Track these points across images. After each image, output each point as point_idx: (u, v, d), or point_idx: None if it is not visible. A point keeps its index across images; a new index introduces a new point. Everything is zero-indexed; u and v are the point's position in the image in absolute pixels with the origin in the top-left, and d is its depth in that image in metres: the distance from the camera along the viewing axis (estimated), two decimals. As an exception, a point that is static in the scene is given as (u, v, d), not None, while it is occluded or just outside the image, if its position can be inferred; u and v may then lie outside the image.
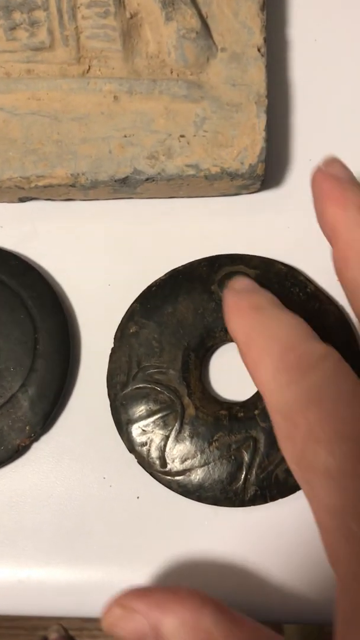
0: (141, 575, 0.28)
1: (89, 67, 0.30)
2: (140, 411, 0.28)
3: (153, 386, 0.28)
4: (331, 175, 0.25)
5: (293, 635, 0.91)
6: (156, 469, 0.28)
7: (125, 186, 0.29)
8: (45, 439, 0.29)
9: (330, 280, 0.30)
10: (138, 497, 0.28)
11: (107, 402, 0.29)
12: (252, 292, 0.25)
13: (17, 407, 0.28)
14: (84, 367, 0.30)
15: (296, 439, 0.21)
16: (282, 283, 0.29)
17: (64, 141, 0.29)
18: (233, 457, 0.27)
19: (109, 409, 0.29)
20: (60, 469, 0.29)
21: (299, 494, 0.28)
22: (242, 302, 0.25)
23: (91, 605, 0.28)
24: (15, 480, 0.29)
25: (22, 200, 0.31)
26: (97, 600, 0.28)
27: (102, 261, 0.31)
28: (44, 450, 0.29)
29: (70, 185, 0.29)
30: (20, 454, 0.29)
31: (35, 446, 0.29)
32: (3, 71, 0.30)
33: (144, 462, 0.28)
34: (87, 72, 0.30)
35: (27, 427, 0.28)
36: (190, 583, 0.28)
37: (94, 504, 0.29)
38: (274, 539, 0.28)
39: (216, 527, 0.28)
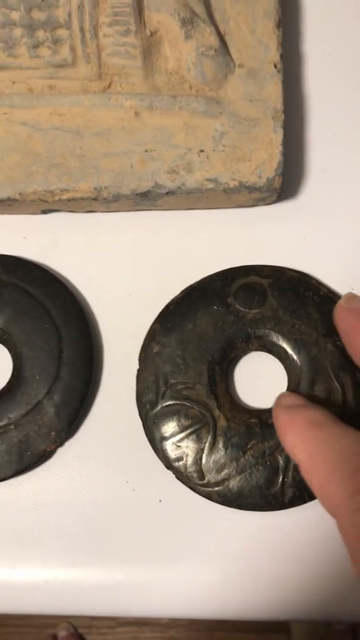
0: (164, 575, 0.29)
1: (110, 83, 0.31)
2: (172, 428, 0.29)
3: (182, 402, 0.29)
4: (355, 310, 0.27)
5: (301, 628, 0.92)
6: (195, 482, 0.28)
7: (146, 199, 0.30)
8: (70, 444, 0.30)
9: (344, 285, 0.31)
10: (160, 500, 0.29)
11: (131, 409, 0.30)
12: (305, 408, 0.25)
13: (43, 414, 0.29)
14: (107, 374, 0.31)
15: None
16: (296, 288, 0.30)
17: (87, 156, 0.30)
18: (268, 463, 0.28)
19: (132, 416, 0.30)
20: (84, 473, 0.30)
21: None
22: (297, 418, 0.25)
23: (115, 605, 0.29)
24: (41, 484, 0.30)
25: (44, 212, 0.32)
26: (121, 600, 0.29)
27: (123, 271, 0.32)
28: (69, 455, 0.30)
29: (93, 199, 0.30)
30: (46, 459, 0.30)
31: (61, 451, 0.30)
32: (26, 87, 0.31)
33: (182, 476, 0.29)
34: (109, 88, 0.31)
35: (53, 433, 0.29)
36: (210, 583, 0.29)
37: (117, 507, 0.30)
38: (282, 542, 0.29)
39: (236, 529, 0.29)
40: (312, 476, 0.23)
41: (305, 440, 0.24)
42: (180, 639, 1.07)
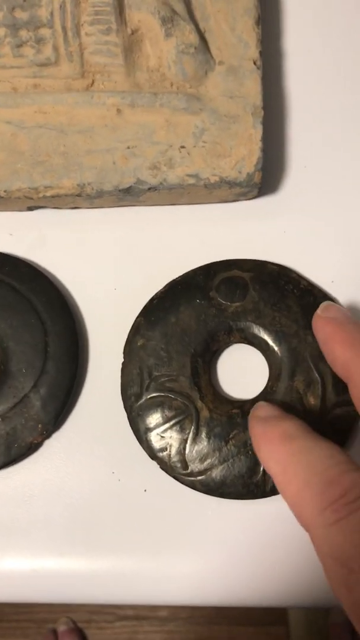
0: (149, 564, 0.29)
1: (93, 81, 0.31)
2: (156, 419, 0.30)
3: (166, 394, 0.30)
4: (332, 319, 0.27)
5: (299, 620, 0.93)
6: (178, 472, 0.29)
7: (129, 195, 0.31)
8: (56, 436, 0.31)
9: (325, 278, 0.31)
10: (145, 490, 0.30)
11: (116, 401, 0.30)
12: (279, 419, 0.25)
13: (30, 407, 0.30)
14: (92, 367, 0.31)
15: (354, 586, 0.20)
16: (276, 282, 0.30)
17: (70, 153, 0.30)
18: (250, 452, 0.29)
19: (118, 408, 0.30)
20: (71, 465, 0.31)
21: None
22: (270, 431, 0.25)
23: (101, 593, 0.30)
24: (29, 476, 0.31)
25: (30, 209, 0.33)
26: (108, 589, 0.30)
27: (108, 266, 0.32)
28: (56, 447, 0.31)
29: (77, 195, 0.31)
30: (33, 451, 0.31)
31: (47, 443, 0.31)
32: (10, 86, 0.31)
33: (166, 466, 0.29)
34: (91, 86, 0.31)
35: (39, 426, 0.30)
36: (198, 570, 0.29)
37: (103, 497, 0.30)
38: (270, 530, 0.29)
39: (220, 517, 0.30)
40: (285, 491, 0.23)
41: (277, 454, 0.24)
42: (179, 632, 1.08)
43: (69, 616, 1.11)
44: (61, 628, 1.09)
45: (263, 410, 0.26)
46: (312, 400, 0.29)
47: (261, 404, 0.27)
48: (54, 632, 1.09)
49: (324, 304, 0.28)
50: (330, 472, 0.22)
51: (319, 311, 0.28)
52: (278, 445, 0.24)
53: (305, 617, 0.96)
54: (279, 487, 0.23)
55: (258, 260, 0.31)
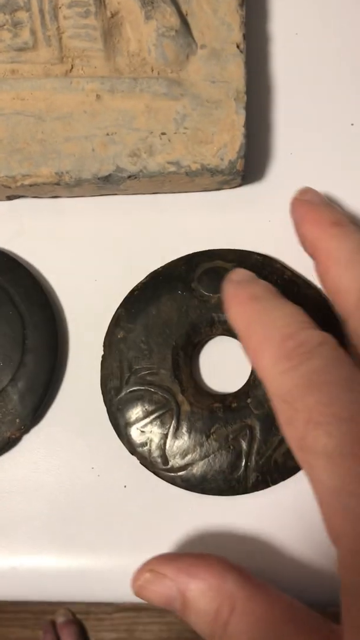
0: (129, 560, 0.29)
1: (72, 66, 0.30)
2: (136, 413, 0.29)
3: (146, 388, 0.29)
4: (306, 201, 0.29)
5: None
6: (159, 467, 0.28)
7: (109, 183, 0.30)
8: (35, 431, 0.30)
9: (310, 268, 0.31)
10: (125, 486, 0.29)
11: (95, 395, 0.30)
12: (250, 283, 0.26)
13: (7, 401, 0.29)
14: (72, 360, 0.31)
15: (297, 423, 0.22)
16: (260, 272, 0.30)
17: (48, 140, 0.30)
18: (232, 447, 0.28)
19: (97, 402, 0.30)
20: (50, 460, 0.30)
21: (299, 476, 0.28)
22: (241, 293, 0.26)
23: (81, 591, 0.29)
24: (7, 471, 0.30)
25: (9, 198, 0.32)
26: (87, 586, 0.29)
27: (89, 257, 0.32)
28: (34, 442, 0.30)
29: (55, 184, 0.30)
30: (11, 446, 0.30)
31: (26, 438, 0.30)
32: (-12, 72, 0.30)
33: (146, 462, 0.29)
34: (70, 71, 0.30)
35: (17, 420, 0.29)
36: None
37: (83, 493, 0.30)
38: (252, 526, 0.29)
39: (202, 513, 0.29)
40: (247, 344, 0.25)
41: (243, 312, 0.25)
42: (178, 623, 1.08)
43: (68, 608, 1.11)
44: (60, 619, 1.10)
45: (237, 274, 0.27)
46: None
47: (237, 269, 0.28)
48: (53, 623, 1.09)
49: (303, 188, 0.29)
50: (289, 328, 0.24)
51: (296, 194, 0.29)
52: (245, 305, 0.25)
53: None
54: (242, 343, 0.25)
55: (241, 251, 0.30)
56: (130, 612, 1.10)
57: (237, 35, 0.30)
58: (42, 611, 1.12)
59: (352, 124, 0.32)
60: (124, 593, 0.29)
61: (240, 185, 0.31)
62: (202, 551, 0.29)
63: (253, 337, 0.24)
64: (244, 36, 0.30)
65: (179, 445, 0.28)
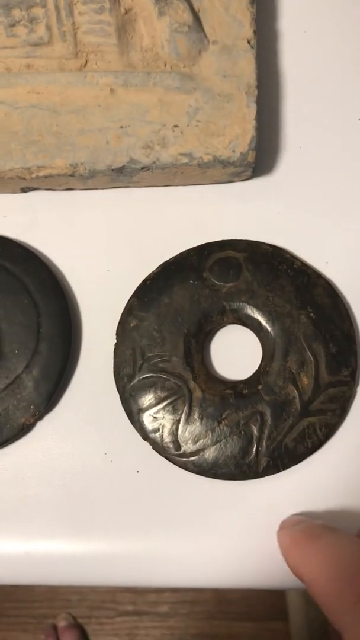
0: (141, 545, 0.29)
1: (86, 61, 0.31)
2: (149, 400, 0.29)
3: (159, 375, 0.29)
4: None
5: (299, 615, 0.92)
6: (171, 453, 0.29)
7: (122, 175, 0.31)
8: (49, 417, 0.31)
9: (320, 259, 0.31)
10: (138, 472, 0.30)
11: (109, 382, 0.30)
12: (303, 524, 0.26)
13: (22, 388, 0.30)
14: (85, 348, 0.31)
15: None
16: (270, 262, 0.30)
17: (63, 133, 0.30)
18: (243, 432, 0.29)
19: (110, 389, 0.30)
20: (63, 446, 0.30)
21: (309, 461, 0.29)
22: (299, 535, 0.26)
23: (93, 575, 0.29)
24: (21, 457, 0.30)
25: (24, 190, 0.33)
26: (100, 570, 0.29)
27: (101, 248, 0.32)
28: (48, 429, 0.31)
29: (70, 175, 0.30)
30: (25, 432, 0.30)
31: (40, 424, 0.31)
32: (4, 66, 0.31)
33: (159, 447, 0.29)
34: (85, 66, 0.31)
35: (32, 407, 0.30)
36: (191, 552, 0.29)
37: (95, 478, 0.30)
38: (263, 510, 0.29)
39: (213, 498, 0.29)
40: (314, 591, 0.23)
41: (306, 556, 0.24)
42: (180, 628, 1.08)
43: (69, 612, 1.11)
44: (61, 624, 1.09)
45: (289, 521, 0.27)
46: (305, 380, 0.29)
47: (287, 518, 0.28)
48: (54, 627, 1.09)
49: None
50: (355, 565, 0.22)
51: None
52: (306, 547, 0.25)
53: (306, 614, 0.96)
54: (308, 589, 0.24)
55: (251, 241, 0.31)
56: (132, 617, 1.10)
57: (248, 31, 0.31)
58: (44, 615, 1.12)
59: (359, 119, 0.33)
60: (137, 577, 0.29)
61: (250, 177, 0.32)
62: (214, 535, 0.29)
63: (319, 583, 0.23)
64: (255, 32, 0.31)
65: (191, 430, 0.29)
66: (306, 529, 0.26)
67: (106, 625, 1.11)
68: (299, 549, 0.25)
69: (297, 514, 0.29)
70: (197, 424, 0.29)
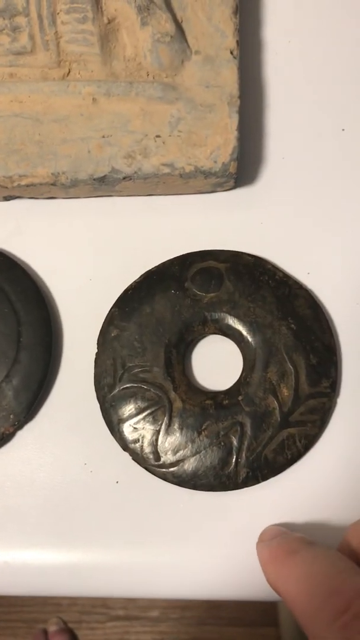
0: (121, 556, 0.29)
1: (69, 70, 0.31)
2: (129, 410, 0.29)
3: (139, 385, 0.29)
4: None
5: (290, 621, 0.92)
6: (150, 464, 0.29)
7: (104, 184, 0.31)
8: (28, 427, 0.31)
9: (302, 270, 0.31)
10: (117, 482, 0.30)
11: (89, 392, 0.30)
12: (282, 538, 0.26)
13: (2, 397, 0.30)
14: (66, 358, 0.31)
15: None
16: (252, 273, 0.30)
17: (45, 142, 0.30)
18: (222, 443, 0.29)
19: (91, 399, 0.30)
20: (43, 456, 0.30)
21: (289, 472, 0.29)
22: (276, 549, 0.25)
23: (73, 585, 0.29)
24: (0, 467, 0.30)
25: (6, 199, 0.33)
26: (79, 581, 0.29)
27: (84, 257, 0.32)
28: (28, 438, 0.30)
29: (52, 184, 0.30)
30: (5, 442, 0.30)
31: (20, 434, 0.30)
32: (-14, 75, 0.31)
33: (138, 458, 0.29)
34: (67, 75, 0.31)
35: (11, 416, 0.30)
36: (170, 563, 0.29)
37: (75, 488, 0.30)
38: (242, 522, 0.29)
39: (192, 509, 0.29)
40: (292, 608, 0.23)
41: (283, 572, 0.24)
42: (171, 633, 1.07)
43: (60, 616, 1.10)
44: (52, 628, 1.09)
45: (267, 534, 0.27)
46: (285, 392, 0.29)
47: (265, 529, 0.28)
48: (45, 632, 1.08)
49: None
50: (332, 581, 0.22)
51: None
52: (283, 562, 0.24)
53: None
54: (288, 606, 0.23)
55: (234, 251, 0.31)
56: (123, 621, 1.10)
57: (231, 41, 0.31)
58: (34, 620, 1.11)
59: (343, 129, 0.33)
60: (116, 587, 0.29)
61: (233, 188, 0.32)
62: (193, 546, 0.29)
63: (298, 600, 0.23)
64: (238, 43, 0.31)
65: (171, 441, 0.29)
66: (283, 543, 0.26)
67: (97, 630, 1.10)
68: (276, 563, 0.25)
69: (276, 524, 0.29)
70: (177, 434, 0.29)
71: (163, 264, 0.31)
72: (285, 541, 0.26)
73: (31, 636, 1.09)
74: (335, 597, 0.22)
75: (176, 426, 0.29)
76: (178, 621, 1.04)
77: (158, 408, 0.29)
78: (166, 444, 0.29)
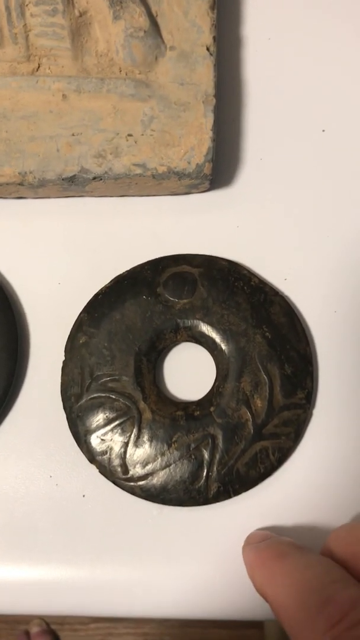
0: (87, 572, 0.28)
1: (39, 65, 0.30)
2: (97, 421, 0.28)
3: (108, 395, 0.28)
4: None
5: (274, 628, 0.92)
6: (118, 477, 0.28)
7: (74, 185, 0.29)
8: (-8, 437, 0.29)
9: (278, 275, 0.30)
10: (84, 496, 0.29)
11: (55, 402, 0.29)
12: (270, 542, 0.25)
13: (-36, 406, 0.28)
14: (33, 365, 0.30)
15: None
16: (226, 278, 0.29)
17: (12, 139, 0.29)
18: (193, 457, 0.28)
19: (57, 409, 0.29)
20: (7, 468, 0.29)
21: (261, 487, 0.28)
22: (265, 552, 0.24)
23: (36, 603, 0.28)
24: None
25: (-27, 198, 0.31)
26: (42, 598, 0.28)
27: (53, 259, 0.31)
28: (-8, 449, 0.29)
29: (19, 184, 0.29)
30: (-32, 452, 0.29)
31: (-17, 444, 0.29)
32: None
33: (106, 471, 0.28)
34: (37, 70, 0.30)
35: (-26, 426, 0.28)
36: (137, 580, 0.28)
37: (40, 502, 0.29)
38: (212, 538, 0.28)
39: (161, 524, 0.28)
40: (281, 615, 0.22)
41: (271, 576, 0.23)
42: (154, 635, 1.06)
43: (42, 618, 1.09)
44: (34, 629, 1.08)
45: (254, 537, 0.26)
46: (259, 403, 0.28)
47: (252, 532, 0.27)
48: (27, 633, 1.07)
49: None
50: (326, 590, 0.21)
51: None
52: (272, 566, 0.23)
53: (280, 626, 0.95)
54: (275, 613, 0.22)
55: (208, 256, 0.30)
56: (106, 623, 1.09)
57: (207, 37, 0.30)
58: (16, 621, 1.10)
59: (323, 130, 0.32)
60: (81, 605, 0.28)
61: (208, 189, 0.31)
62: (162, 563, 0.28)
63: (287, 607, 0.22)
64: (215, 39, 0.30)
65: (140, 454, 0.28)
66: (272, 546, 0.24)
67: (80, 632, 1.09)
68: (264, 567, 0.24)
69: (262, 529, 0.27)
70: (146, 446, 0.28)
71: (135, 268, 0.30)
72: (275, 544, 0.24)
73: (13, 638, 1.08)
74: (329, 607, 0.21)
75: (145, 438, 0.28)
76: (161, 622, 1.03)
77: (127, 419, 0.28)
78: (135, 457, 0.28)
